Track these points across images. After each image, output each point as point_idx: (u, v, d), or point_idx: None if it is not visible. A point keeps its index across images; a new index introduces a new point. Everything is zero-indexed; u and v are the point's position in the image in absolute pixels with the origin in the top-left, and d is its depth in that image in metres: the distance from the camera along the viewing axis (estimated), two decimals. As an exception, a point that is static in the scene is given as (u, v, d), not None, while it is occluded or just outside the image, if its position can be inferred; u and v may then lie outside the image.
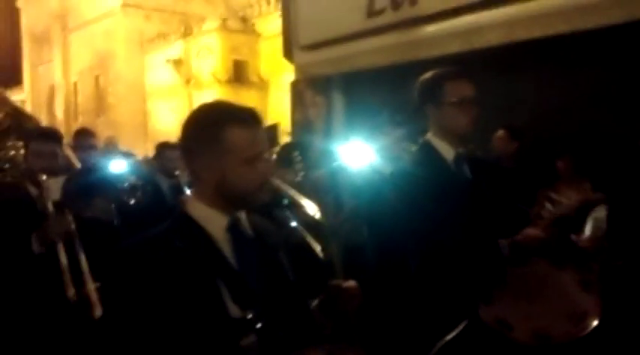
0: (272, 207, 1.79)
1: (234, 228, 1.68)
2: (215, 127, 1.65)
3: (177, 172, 5.20)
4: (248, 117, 1.68)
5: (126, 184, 4.68)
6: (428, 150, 2.64)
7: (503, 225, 2.50)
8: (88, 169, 4.08)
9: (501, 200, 2.63)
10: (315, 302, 1.82)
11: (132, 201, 4.59)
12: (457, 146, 2.61)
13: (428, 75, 2.65)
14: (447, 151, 2.59)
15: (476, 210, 2.48)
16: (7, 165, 3.51)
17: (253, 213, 1.77)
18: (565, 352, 2.20)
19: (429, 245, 2.41)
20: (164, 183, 5.23)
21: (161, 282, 1.54)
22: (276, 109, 24.08)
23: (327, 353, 1.57)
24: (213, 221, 1.66)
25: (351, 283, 1.76)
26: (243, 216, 1.73)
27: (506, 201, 2.66)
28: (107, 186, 3.47)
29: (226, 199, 1.67)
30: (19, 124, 2.87)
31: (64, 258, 3.07)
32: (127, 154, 6.22)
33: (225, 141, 1.63)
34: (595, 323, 2.15)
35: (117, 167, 4.72)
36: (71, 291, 3.01)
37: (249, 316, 1.56)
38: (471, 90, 2.54)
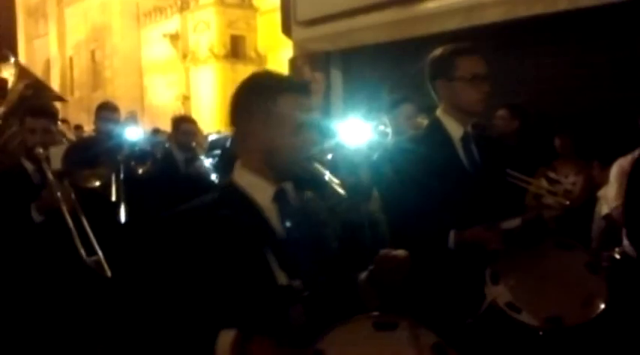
0: (314, 180, 1.77)
1: (280, 198, 1.70)
2: (268, 95, 1.65)
3: (193, 144, 5.25)
4: (301, 87, 1.71)
5: (136, 148, 4.78)
6: (436, 127, 2.59)
7: (505, 207, 2.46)
8: (95, 138, 4.08)
9: (504, 180, 2.60)
10: (363, 275, 1.81)
11: (140, 171, 4.63)
12: (466, 124, 2.56)
13: (439, 50, 2.58)
14: (456, 129, 2.54)
15: (477, 192, 2.43)
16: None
17: (299, 184, 1.78)
18: (571, 335, 2.17)
19: (425, 224, 2.35)
20: (180, 157, 5.25)
21: (209, 250, 1.58)
22: (274, 85, 24.04)
23: (374, 322, 1.55)
24: (260, 190, 1.69)
25: (400, 252, 1.74)
26: (289, 186, 1.74)
27: (507, 182, 2.63)
28: (111, 156, 3.44)
29: (273, 168, 1.68)
30: (39, 96, 2.86)
31: (70, 221, 3.07)
32: (155, 131, 6.20)
33: (278, 109, 1.65)
34: (602, 306, 2.10)
35: (132, 133, 4.87)
36: (83, 252, 3.02)
37: (296, 284, 1.59)
38: (483, 67, 2.49)
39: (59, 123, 4.97)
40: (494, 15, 5.50)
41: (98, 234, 3.18)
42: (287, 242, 1.65)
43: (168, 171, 5.05)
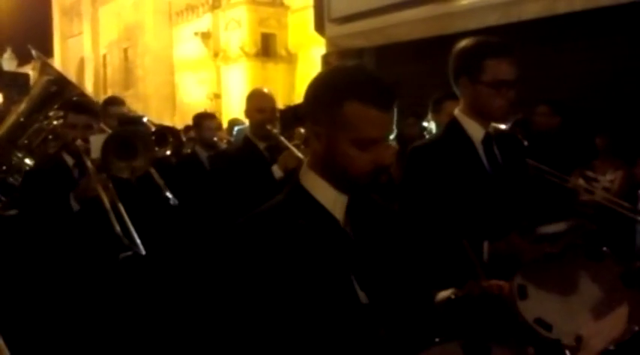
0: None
1: (353, 210, 1.55)
2: (337, 97, 1.46)
3: (214, 139, 5.27)
4: (376, 96, 1.45)
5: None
6: (454, 127, 2.40)
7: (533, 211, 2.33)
8: (133, 130, 4.10)
9: (530, 182, 2.47)
10: (442, 295, 1.68)
11: (167, 152, 4.69)
12: (487, 125, 2.37)
13: (468, 44, 2.35)
14: (476, 130, 2.36)
15: (501, 197, 2.30)
16: (50, 137, 3.51)
17: (367, 195, 1.61)
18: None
19: (442, 227, 2.21)
20: (203, 155, 5.27)
21: (287, 261, 1.43)
22: (304, 83, 23.95)
23: (463, 344, 1.40)
24: (331, 197, 1.53)
25: (495, 283, 1.61)
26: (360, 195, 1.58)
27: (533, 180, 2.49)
28: (148, 148, 3.45)
29: (334, 177, 1.52)
30: (63, 92, 2.86)
31: (106, 200, 3.09)
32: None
33: (342, 115, 1.45)
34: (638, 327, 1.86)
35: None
36: (117, 228, 3.03)
37: (376, 302, 1.45)
38: (512, 72, 2.27)
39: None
40: (533, 11, 5.40)
41: (139, 222, 3.21)
42: (364, 257, 1.52)
43: (192, 169, 5.02)
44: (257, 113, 3.69)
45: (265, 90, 4.01)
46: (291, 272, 1.43)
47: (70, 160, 3.43)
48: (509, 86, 2.26)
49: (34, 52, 3.62)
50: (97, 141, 3.30)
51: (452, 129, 2.42)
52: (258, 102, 3.74)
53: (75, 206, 3.21)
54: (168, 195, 3.86)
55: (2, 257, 3.50)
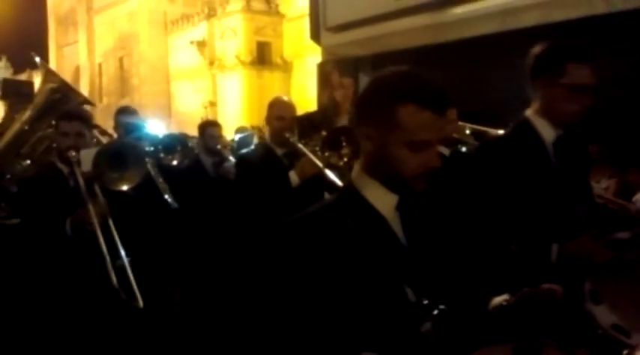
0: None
1: (404, 208, 1.56)
2: (392, 98, 1.48)
3: (218, 147, 5.31)
4: (432, 100, 1.47)
5: (159, 140, 4.76)
6: (524, 128, 2.36)
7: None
8: (124, 141, 4.08)
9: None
10: (496, 301, 1.64)
11: (174, 162, 4.63)
12: (559, 128, 2.33)
13: (550, 45, 2.32)
14: (548, 132, 2.32)
15: (573, 202, 2.26)
16: (54, 145, 3.50)
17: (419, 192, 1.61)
18: None
19: (518, 235, 2.17)
20: (207, 162, 5.32)
21: (337, 262, 1.45)
22: (300, 91, 24.04)
23: (514, 347, 1.38)
24: (380, 197, 1.54)
25: (554, 288, 1.57)
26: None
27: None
28: (139, 159, 3.44)
29: (385, 179, 1.54)
30: (67, 100, 2.85)
31: (103, 245, 3.06)
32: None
33: (396, 117, 1.47)
34: None
35: (154, 127, 4.85)
36: (114, 280, 2.99)
37: (426, 302, 1.44)
38: (593, 77, 2.24)
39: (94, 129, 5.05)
40: (529, 19, 5.44)
41: (130, 235, 3.19)
42: (413, 256, 1.52)
43: (197, 176, 5.08)
44: (276, 121, 3.75)
45: (286, 98, 4.07)
46: (339, 270, 1.45)
47: (65, 168, 3.43)
48: (587, 92, 2.24)
49: (37, 60, 3.61)
50: (87, 155, 3.29)
51: (522, 130, 2.38)
52: (278, 111, 3.80)
53: (69, 232, 3.18)
54: (168, 198, 3.85)
55: (4, 263, 3.49)
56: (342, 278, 1.45)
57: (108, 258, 3.02)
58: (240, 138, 6.96)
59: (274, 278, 1.54)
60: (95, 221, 3.08)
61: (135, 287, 2.97)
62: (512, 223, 2.20)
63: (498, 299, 1.64)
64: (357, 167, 1.61)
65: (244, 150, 5.02)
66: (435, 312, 1.43)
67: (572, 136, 2.38)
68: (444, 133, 1.57)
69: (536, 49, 2.34)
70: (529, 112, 2.38)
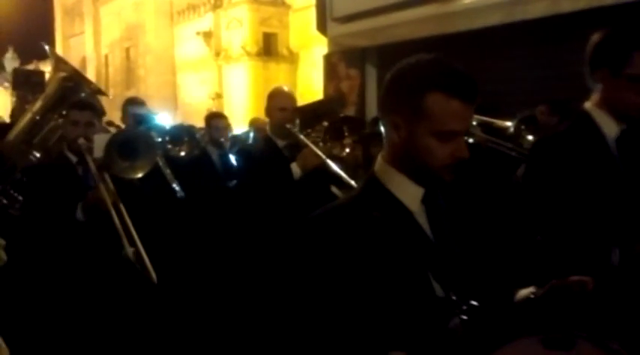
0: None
1: (430, 201, 1.53)
2: (420, 88, 1.45)
3: (222, 139, 5.42)
4: (461, 89, 1.44)
5: (166, 131, 4.83)
6: (584, 122, 2.22)
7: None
8: (136, 131, 4.09)
9: None
10: (522, 293, 1.60)
11: (182, 153, 4.71)
12: (621, 122, 2.18)
13: (612, 33, 2.17)
14: (610, 127, 2.18)
15: (631, 199, 2.12)
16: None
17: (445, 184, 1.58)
18: None
19: (578, 238, 2.06)
20: (214, 154, 5.40)
21: (365, 256, 1.43)
22: (306, 83, 23.99)
23: (542, 339, 1.35)
24: (405, 189, 1.51)
25: (584, 279, 1.51)
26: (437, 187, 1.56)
27: None
28: (150, 149, 3.46)
29: (411, 169, 1.51)
30: (79, 89, 2.85)
31: (117, 220, 3.05)
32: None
33: (425, 106, 1.44)
34: None
35: (162, 119, 4.96)
36: (130, 250, 2.99)
37: (454, 297, 1.41)
38: None
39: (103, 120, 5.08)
40: (536, 10, 5.42)
41: (142, 223, 3.20)
42: (440, 250, 1.49)
43: (205, 167, 5.12)
44: (278, 112, 3.72)
45: (286, 89, 4.04)
46: (365, 266, 1.42)
47: (73, 158, 3.44)
48: None
49: (46, 48, 3.62)
50: (100, 141, 3.30)
51: (581, 123, 2.25)
52: (280, 101, 3.76)
53: (81, 217, 3.21)
54: (176, 187, 3.87)
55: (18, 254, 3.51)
56: (369, 274, 1.42)
57: (122, 233, 3.00)
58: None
59: (301, 274, 1.51)
60: (108, 200, 3.08)
61: (148, 262, 2.95)
62: (571, 224, 2.09)
63: (524, 292, 1.61)
64: (379, 159, 1.57)
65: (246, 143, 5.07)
66: (465, 308, 1.40)
67: (636, 131, 2.23)
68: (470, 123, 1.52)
69: (596, 37, 2.21)
70: (588, 105, 2.25)
